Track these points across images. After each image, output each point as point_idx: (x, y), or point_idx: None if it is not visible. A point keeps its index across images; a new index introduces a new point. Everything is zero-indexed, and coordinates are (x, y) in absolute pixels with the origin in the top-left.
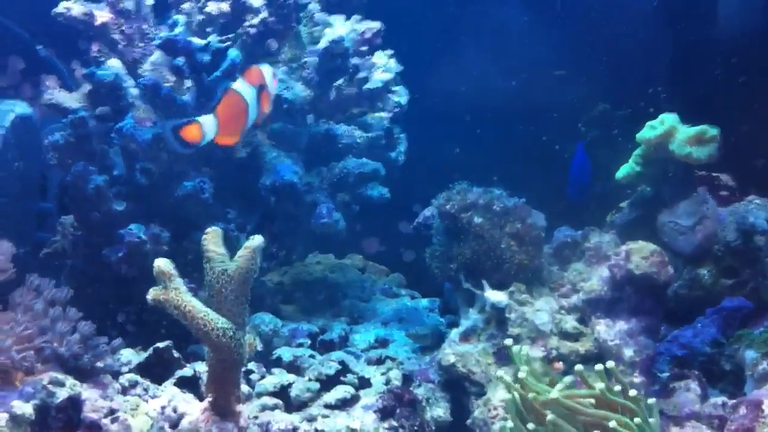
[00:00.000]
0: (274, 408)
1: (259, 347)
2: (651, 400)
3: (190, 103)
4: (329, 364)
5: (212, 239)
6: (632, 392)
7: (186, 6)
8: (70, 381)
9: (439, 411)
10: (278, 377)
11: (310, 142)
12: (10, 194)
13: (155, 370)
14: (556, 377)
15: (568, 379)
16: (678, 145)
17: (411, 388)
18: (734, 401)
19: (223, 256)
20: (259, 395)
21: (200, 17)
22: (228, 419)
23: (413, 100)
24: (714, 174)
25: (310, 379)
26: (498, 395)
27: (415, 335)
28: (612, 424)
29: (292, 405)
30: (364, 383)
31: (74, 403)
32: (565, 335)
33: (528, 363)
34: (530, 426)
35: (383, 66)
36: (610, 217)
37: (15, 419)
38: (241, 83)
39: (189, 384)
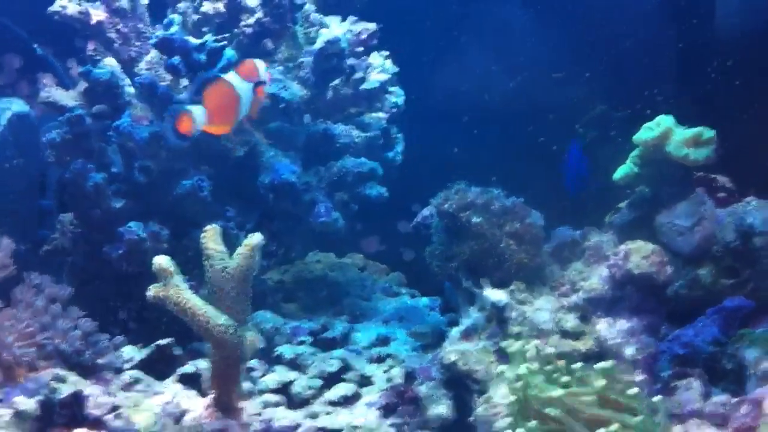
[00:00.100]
0: (276, 405)
1: (262, 344)
2: (657, 398)
3: (186, 102)
4: (331, 362)
5: (211, 237)
6: (632, 390)
7: (181, 5)
8: (72, 377)
9: (442, 408)
10: (280, 374)
11: (308, 142)
12: (10, 192)
13: (157, 367)
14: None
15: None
16: (675, 147)
17: (413, 386)
18: (736, 399)
19: (223, 253)
20: (262, 392)
21: (196, 17)
22: (230, 416)
23: (412, 100)
24: (712, 175)
25: (312, 377)
26: (500, 393)
27: (416, 333)
28: (614, 427)
29: (294, 402)
30: (365, 381)
31: (77, 399)
32: (565, 334)
33: (531, 359)
34: (532, 423)
35: (379, 67)
36: (608, 218)
37: (19, 415)
38: (234, 75)
39: (191, 381)
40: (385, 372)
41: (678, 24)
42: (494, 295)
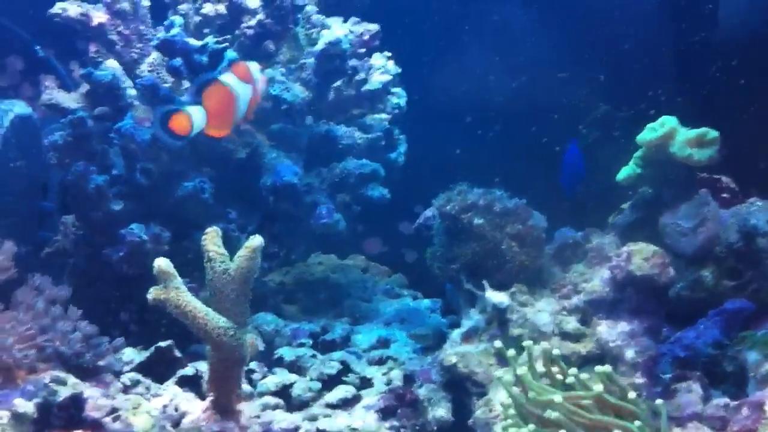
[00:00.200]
0: (275, 407)
1: (261, 347)
2: (659, 401)
3: (191, 101)
4: (331, 364)
5: (212, 239)
6: (631, 394)
7: (183, 7)
8: (71, 379)
9: (441, 411)
10: (280, 377)
11: (310, 143)
12: (12, 193)
13: (157, 369)
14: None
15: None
16: (679, 148)
17: (412, 389)
18: (736, 402)
19: (224, 255)
20: (261, 395)
21: (197, 18)
22: (229, 418)
23: (415, 101)
24: (715, 176)
25: (311, 379)
26: (499, 395)
27: (417, 336)
28: None
29: (293, 404)
30: (365, 383)
31: (76, 401)
32: (566, 336)
33: (530, 361)
34: (531, 427)
35: (381, 68)
36: (611, 219)
37: (17, 417)
38: (231, 76)
39: (190, 383)
40: (384, 374)
41: (680, 24)
42: (495, 297)
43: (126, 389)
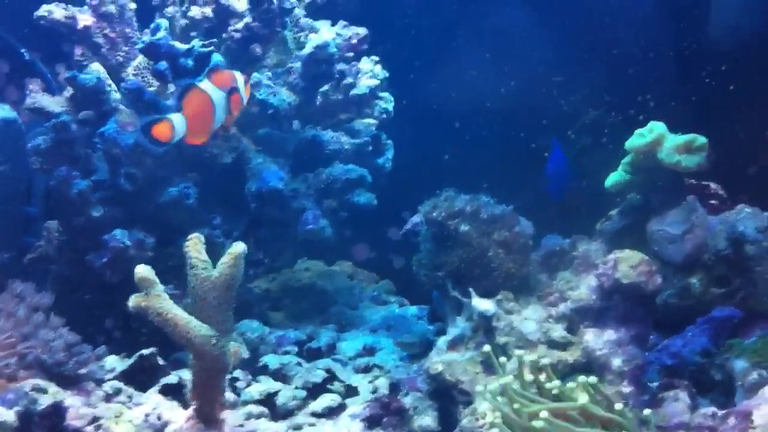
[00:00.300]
0: (259, 416)
1: (246, 354)
2: (647, 411)
3: (173, 108)
4: (316, 372)
5: (194, 246)
6: (618, 405)
7: (169, 10)
8: (53, 388)
9: (427, 420)
10: (264, 385)
11: (297, 148)
12: None
13: (139, 377)
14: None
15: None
16: (667, 154)
17: (398, 397)
18: (724, 411)
19: (206, 262)
20: (245, 403)
21: (184, 22)
22: (213, 427)
23: (404, 106)
24: (704, 182)
25: (296, 387)
26: (485, 404)
27: (403, 343)
28: None
29: (278, 413)
30: (351, 391)
31: (57, 410)
32: (553, 344)
33: (518, 370)
34: None
35: (369, 72)
36: (599, 226)
37: None
38: (207, 84)
39: (173, 391)
40: (370, 382)
41: (671, 30)
42: (482, 304)
43: (108, 398)
